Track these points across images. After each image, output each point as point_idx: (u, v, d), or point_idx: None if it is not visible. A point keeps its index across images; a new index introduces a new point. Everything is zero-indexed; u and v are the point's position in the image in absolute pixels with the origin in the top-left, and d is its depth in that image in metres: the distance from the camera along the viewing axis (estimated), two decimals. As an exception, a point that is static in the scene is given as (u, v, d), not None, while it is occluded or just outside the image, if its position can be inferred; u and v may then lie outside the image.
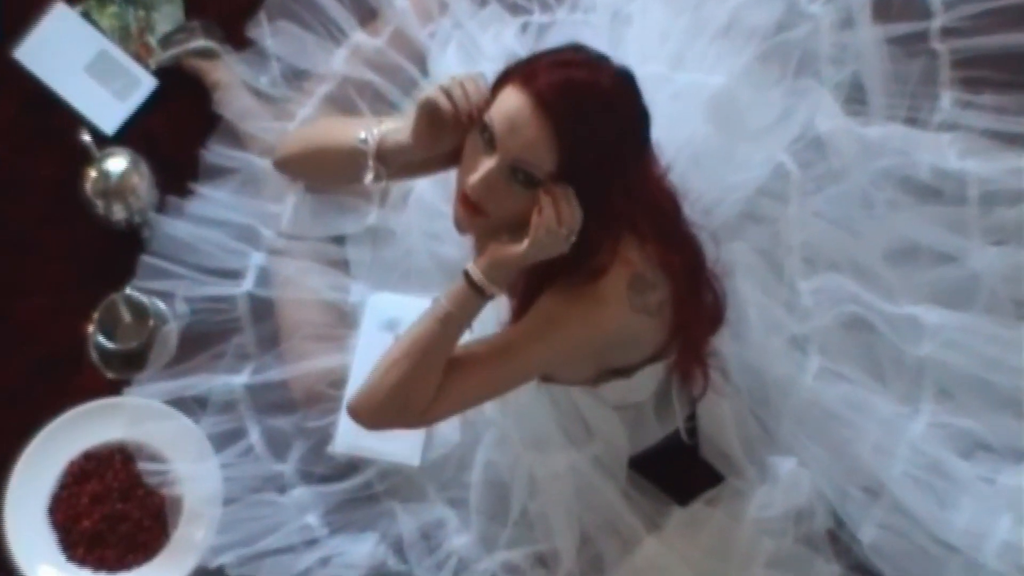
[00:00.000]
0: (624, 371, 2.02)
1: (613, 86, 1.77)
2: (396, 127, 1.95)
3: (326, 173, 2.12)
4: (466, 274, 1.83)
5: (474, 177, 1.79)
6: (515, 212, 1.80)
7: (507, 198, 1.79)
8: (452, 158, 1.90)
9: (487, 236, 1.87)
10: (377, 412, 1.86)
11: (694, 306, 1.97)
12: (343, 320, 2.30)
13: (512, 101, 1.77)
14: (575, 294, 1.84)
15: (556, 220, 1.75)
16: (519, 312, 1.92)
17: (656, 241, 1.87)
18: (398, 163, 1.95)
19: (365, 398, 1.87)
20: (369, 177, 1.96)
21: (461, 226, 1.86)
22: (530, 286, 1.90)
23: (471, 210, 1.82)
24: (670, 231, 1.92)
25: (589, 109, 1.74)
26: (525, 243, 1.77)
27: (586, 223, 1.80)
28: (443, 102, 1.82)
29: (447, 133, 1.86)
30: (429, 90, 1.85)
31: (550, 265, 1.83)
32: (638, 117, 1.82)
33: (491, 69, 1.92)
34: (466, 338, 1.89)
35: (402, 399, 1.84)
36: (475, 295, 1.83)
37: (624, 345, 1.96)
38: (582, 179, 1.77)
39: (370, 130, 1.96)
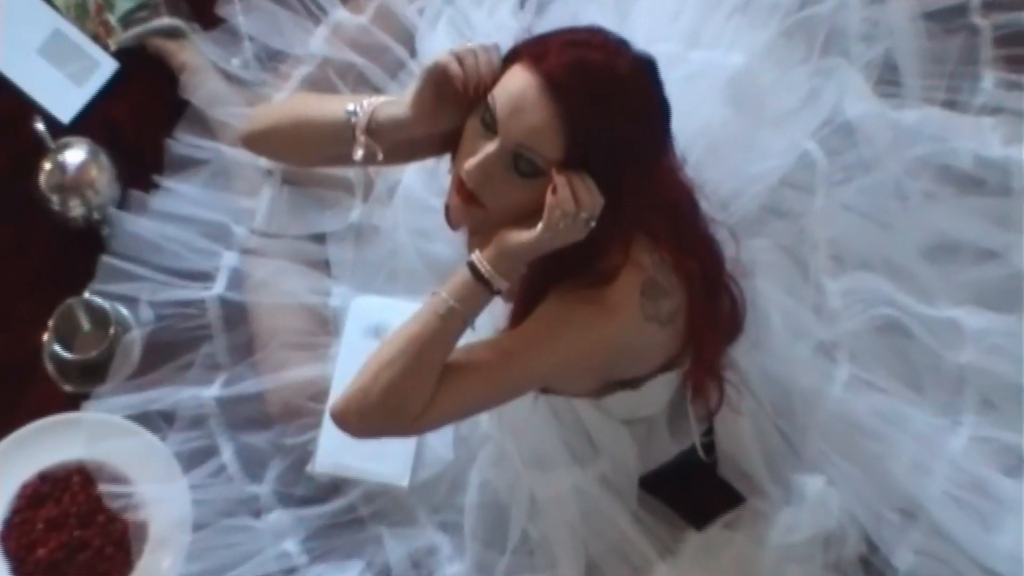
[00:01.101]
0: (631, 383, 2.01)
1: (631, 73, 1.77)
2: (390, 99, 1.95)
3: (304, 150, 2.10)
4: (471, 265, 1.82)
5: (471, 161, 1.78)
6: (514, 205, 1.79)
7: (506, 188, 1.79)
8: (446, 142, 1.90)
9: (481, 232, 1.86)
10: (367, 415, 1.83)
11: (710, 314, 1.96)
12: (324, 326, 2.31)
13: (518, 81, 1.76)
14: (583, 298, 1.84)
15: (573, 202, 1.73)
16: (518, 317, 1.91)
17: (671, 242, 1.87)
18: (389, 141, 1.93)
19: (354, 400, 1.84)
20: (359, 154, 1.93)
21: (454, 218, 1.86)
22: (531, 288, 1.88)
23: (466, 199, 1.81)
24: (686, 231, 1.91)
25: (602, 95, 1.74)
26: (539, 228, 1.76)
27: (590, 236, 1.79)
28: (454, 68, 1.81)
29: (449, 107, 1.85)
30: (439, 54, 1.84)
31: (554, 266, 1.83)
32: (657, 108, 1.81)
33: (486, 48, 1.93)
34: (465, 339, 1.89)
35: (396, 401, 1.82)
36: (480, 288, 1.82)
37: (632, 356, 1.95)
38: (591, 172, 1.76)
39: (359, 102, 1.95)
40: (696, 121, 2.13)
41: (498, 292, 1.83)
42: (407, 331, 1.83)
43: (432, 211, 2.20)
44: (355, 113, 1.94)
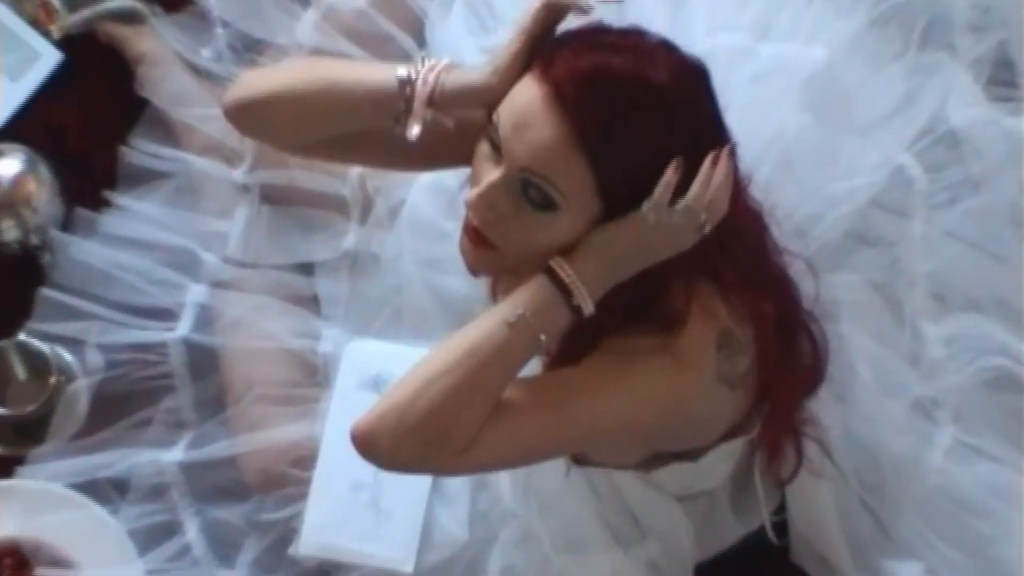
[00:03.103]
0: (688, 454, 2.00)
1: (670, 82, 1.72)
2: (454, 64, 1.89)
3: (325, 125, 1.99)
4: (548, 271, 1.77)
5: (473, 191, 1.77)
6: (530, 247, 1.77)
7: (518, 225, 1.76)
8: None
9: (506, 280, 1.85)
10: (403, 440, 1.76)
11: (787, 361, 1.95)
12: (311, 376, 2.32)
13: (523, 93, 1.75)
14: (651, 347, 1.82)
15: (703, 195, 1.71)
16: (559, 360, 1.89)
17: (737, 280, 1.84)
18: (456, 116, 1.88)
19: (389, 418, 1.76)
20: (414, 131, 1.86)
21: (468, 262, 1.84)
22: (580, 332, 1.84)
23: (474, 239, 1.80)
24: (755, 265, 1.89)
25: (628, 109, 1.70)
26: (641, 213, 1.72)
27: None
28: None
29: None
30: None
31: (607, 303, 1.79)
32: (705, 123, 1.78)
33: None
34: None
35: (442, 426, 1.75)
36: (558, 300, 1.76)
37: (694, 424, 1.93)
38: (622, 202, 1.74)
39: (412, 66, 1.89)
40: (766, 130, 2.13)
41: (579, 312, 1.77)
42: (464, 340, 1.78)
43: (445, 237, 2.21)
44: (411, 80, 1.87)
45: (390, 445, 1.77)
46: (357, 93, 1.91)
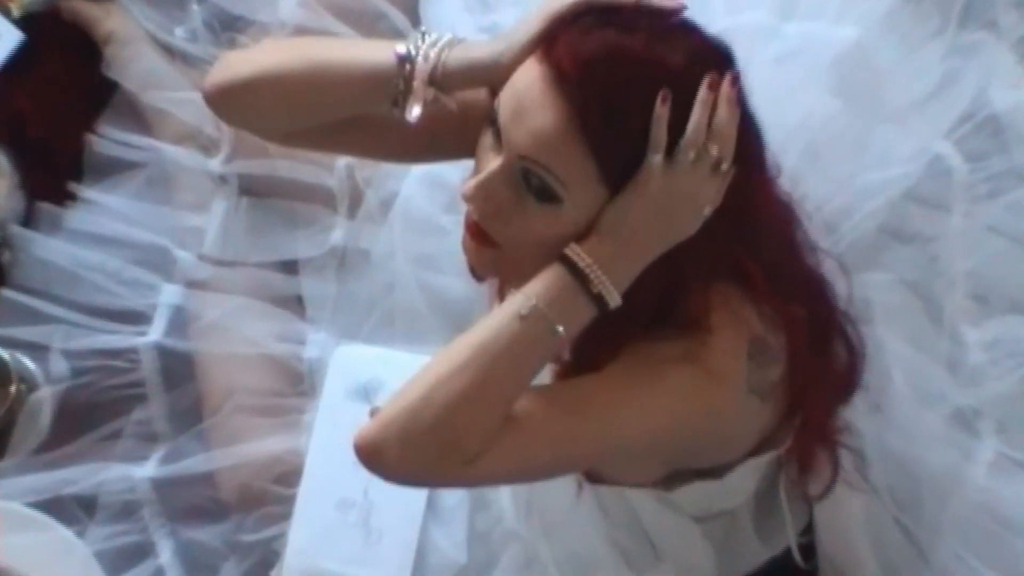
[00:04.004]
0: (712, 471, 1.99)
1: (686, 67, 1.70)
2: (459, 39, 1.86)
3: (316, 108, 1.96)
4: (563, 258, 1.75)
5: (471, 181, 1.76)
6: (532, 243, 1.75)
7: (520, 220, 1.74)
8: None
9: (513, 282, 1.82)
10: (411, 448, 1.73)
11: (820, 367, 1.93)
12: (295, 384, 2.32)
13: (524, 74, 1.73)
14: (676, 356, 1.79)
15: (704, 131, 1.68)
16: (573, 369, 1.87)
17: (765, 281, 1.83)
18: (454, 96, 1.86)
19: (397, 424, 1.73)
20: (415, 112, 1.83)
21: (472, 263, 1.83)
22: (593, 338, 1.82)
23: (475, 236, 1.79)
24: (787, 266, 1.88)
25: (634, 94, 1.68)
26: (645, 166, 1.69)
27: (658, 263, 1.75)
28: None
29: None
30: None
31: (627, 309, 1.76)
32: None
33: (513, 16, 1.97)
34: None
35: (453, 432, 1.72)
36: (577, 290, 1.74)
37: (721, 438, 1.92)
38: None
39: (411, 43, 1.86)
40: (791, 116, 2.12)
41: (602, 302, 1.74)
42: (474, 338, 1.75)
43: (441, 233, 2.22)
44: (411, 57, 1.85)
45: (398, 454, 1.74)
46: (351, 73, 1.89)
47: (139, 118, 2.40)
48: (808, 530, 2.11)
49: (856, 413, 2.05)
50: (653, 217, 1.72)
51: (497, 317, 1.75)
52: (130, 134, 2.39)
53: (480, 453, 1.73)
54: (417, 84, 1.82)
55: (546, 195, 1.71)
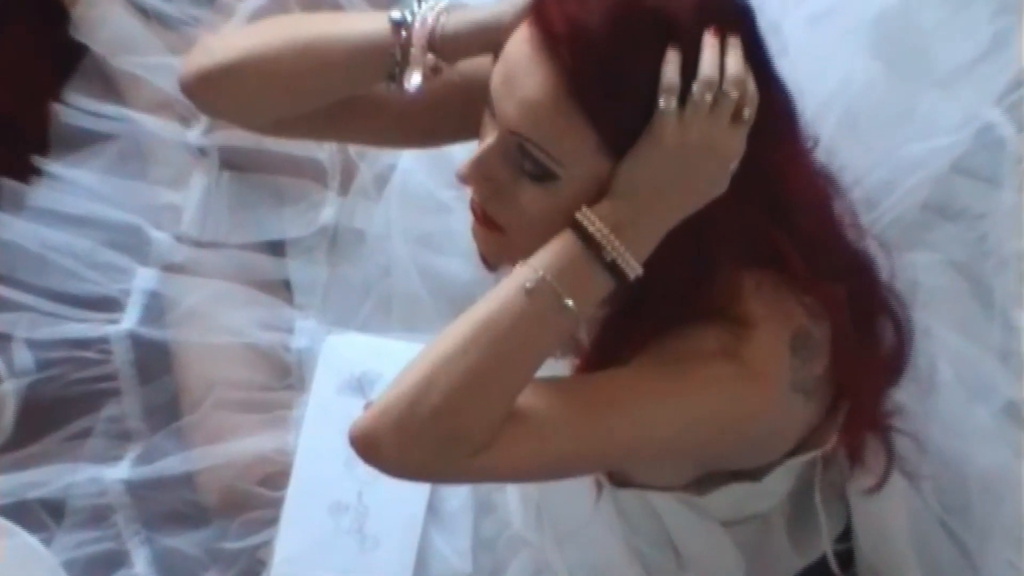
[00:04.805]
0: (750, 473, 1.98)
1: (696, 19, 1.67)
2: (457, 4, 1.87)
3: (308, 89, 1.94)
4: (574, 224, 1.73)
5: (466, 160, 1.76)
6: (534, 225, 1.73)
7: (515, 199, 1.74)
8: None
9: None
10: (411, 439, 1.71)
11: (866, 350, 1.93)
12: (283, 377, 2.34)
13: (513, 41, 1.72)
14: (713, 351, 1.78)
15: (716, 68, 1.65)
16: (594, 361, 1.85)
17: (801, 262, 1.81)
18: (459, 59, 1.86)
19: (393, 413, 1.72)
20: (415, 79, 1.82)
21: (482, 249, 1.81)
22: (614, 327, 1.82)
23: (480, 219, 1.79)
24: (827, 244, 1.87)
25: (635, 48, 1.66)
26: (657, 114, 1.66)
27: (681, 240, 1.73)
28: None
29: None
30: None
31: (645, 291, 1.75)
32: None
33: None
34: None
35: (457, 419, 1.71)
36: (588, 258, 1.71)
37: (760, 439, 1.91)
38: None
39: (409, 6, 1.86)
40: (828, 80, 2.11)
41: (618, 271, 1.71)
42: (476, 315, 1.73)
43: (442, 210, 2.24)
44: (407, 22, 1.84)
45: (396, 445, 1.73)
46: (342, 49, 1.88)
47: (110, 85, 2.41)
48: (845, 537, 2.10)
49: (907, 394, 2.05)
50: (671, 173, 1.69)
51: (501, 292, 1.73)
52: (100, 103, 2.39)
53: (486, 444, 1.72)
54: (415, 50, 1.81)
55: (540, 174, 1.71)
